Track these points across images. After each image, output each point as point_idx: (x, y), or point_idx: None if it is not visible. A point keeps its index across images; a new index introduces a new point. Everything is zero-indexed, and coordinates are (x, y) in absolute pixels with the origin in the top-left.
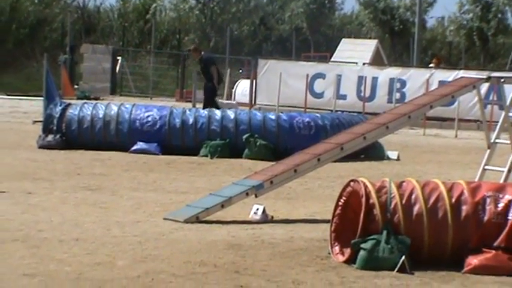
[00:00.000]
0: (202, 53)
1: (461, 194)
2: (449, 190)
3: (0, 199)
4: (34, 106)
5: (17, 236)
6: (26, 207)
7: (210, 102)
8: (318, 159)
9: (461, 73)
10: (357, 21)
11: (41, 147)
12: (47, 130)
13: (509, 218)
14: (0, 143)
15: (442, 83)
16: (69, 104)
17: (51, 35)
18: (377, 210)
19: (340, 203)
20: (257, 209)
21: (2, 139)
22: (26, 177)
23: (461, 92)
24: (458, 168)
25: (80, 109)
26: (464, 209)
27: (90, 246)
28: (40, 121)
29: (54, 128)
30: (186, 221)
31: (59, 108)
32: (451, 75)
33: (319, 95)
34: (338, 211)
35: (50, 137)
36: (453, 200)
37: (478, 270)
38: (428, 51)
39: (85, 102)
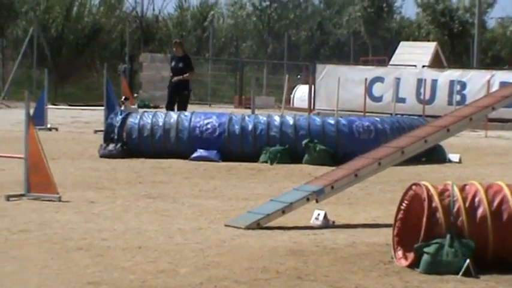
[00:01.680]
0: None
1: None
2: None
3: (64, 208)
4: (95, 116)
5: (81, 245)
6: (89, 216)
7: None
8: (379, 164)
9: None
10: (415, 23)
11: (103, 156)
12: (108, 139)
13: None
14: (62, 153)
15: (503, 84)
16: (130, 113)
17: (110, 45)
18: (440, 214)
19: (402, 207)
20: (318, 215)
21: (64, 149)
22: (89, 187)
23: None
24: None
25: (140, 118)
26: None
27: (153, 254)
28: (101, 130)
29: (115, 137)
30: (247, 228)
31: (119, 118)
32: None
33: (378, 99)
34: (400, 215)
35: (111, 146)
36: None
37: None
38: (488, 53)
39: (145, 111)
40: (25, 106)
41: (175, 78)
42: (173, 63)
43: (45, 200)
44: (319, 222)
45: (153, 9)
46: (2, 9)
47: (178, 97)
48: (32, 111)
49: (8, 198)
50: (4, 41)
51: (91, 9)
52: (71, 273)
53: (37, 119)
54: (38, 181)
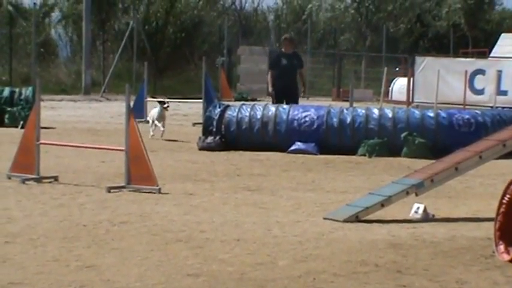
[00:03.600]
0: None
1: None
2: None
3: (163, 200)
4: (193, 109)
5: (180, 237)
6: (188, 208)
7: None
8: (480, 157)
9: None
10: None
11: (201, 148)
12: (206, 132)
13: None
14: (162, 146)
15: None
16: (228, 106)
17: (209, 39)
18: None
19: (504, 201)
20: (418, 208)
21: (164, 142)
22: (188, 179)
23: None
24: None
25: (238, 111)
26: None
27: (251, 247)
28: (200, 123)
29: (214, 129)
30: (346, 221)
31: (218, 111)
32: None
33: (480, 92)
34: (502, 209)
35: (210, 139)
36: None
37: None
38: None
39: (243, 104)
40: (125, 99)
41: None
42: (284, 61)
43: (145, 192)
44: (418, 216)
45: (252, 2)
46: (103, 3)
47: (286, 100)
48: (132, 103)
49: (109, 190)
50: (104, 34)
51: (192, 3)
52: (170, 265)
53: (137, 112)
54: (138, 173)
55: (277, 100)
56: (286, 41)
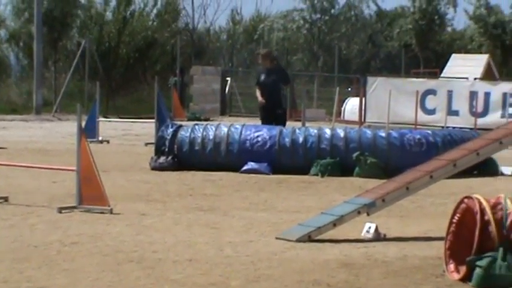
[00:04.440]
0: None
1: None
2: None
3: (115, 221)
4: (146, 128)
5: (132, 257)
6: (140, 228)
7: None
8: (431, 177)
9: None
10: (466, 36)
11: (154, 168)
12: (159, 152)
13: None
14: (114, 165)
15: None
16: (180, 126)
17: (162, 59)
18: (492, 227)
19: (454, 220)
20: (369, 227)
21: (116, 161)
22: (140, 199)
23: None
24: None
25: (191, 131)
26: None
27: (203, 267)
28: (152, 143)
29: (166, 149)
30: (298, 240)
31: (170, 130)
32: None
33: (431, 112)
34: (452, 228)
35: (162, 159)
36: None
37: None
38: None
39: (195, 124)
40: (77, 119)
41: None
42: (262, 77)
43: (97, 212)
44: (370, 235)
45: (205, 22)
46: (55, 22)
47: (274, 116)
48: (83, 123)
49: (60, 210)
50: (56, 54)
51: (145, 23)
52: (122, 286)
53: (89, 132)
54: (90, 193)
55: (262, 117)
56: (260, 56)
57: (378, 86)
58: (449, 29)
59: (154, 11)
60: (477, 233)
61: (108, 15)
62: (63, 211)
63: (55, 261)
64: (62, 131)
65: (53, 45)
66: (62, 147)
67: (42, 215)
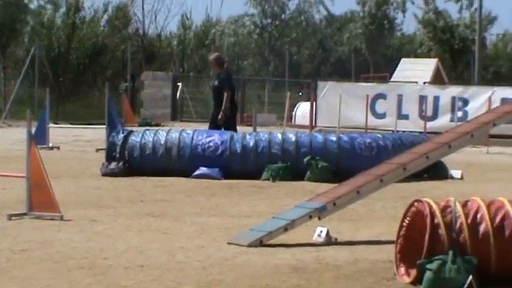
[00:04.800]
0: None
1: None
2: None
3: (65, 227)
4: (97, 134)
5: (83, 264)
6: (90, 235)
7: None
8: (381, 180)
9: None
10: (416, 40)
11: (105, 174)
12: (109, 158)
13: None
14: (64, 172)
15: (504, 101)
16: (131, 131)
17: (113, 64)
18: (442, 230)
19: (404, 224)
20: (321, 231)
21: (66, 167)
22: (90, 205)
23: None
24: None
25: (142, 136)
26: None
27: (155, 273)
28: (103, 149)
29: (117, 155)
30: (250, 245)
31: (121, 136)
32: None
33: (381, 116)
34: (403, 232)
35: (113, 165)
36: None
37: None
38: (489, 69)
39: (146, 129)
40: (27, 125)
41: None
42: (212, 82)
43: (47, 219)
44: (321, 239)
45: (156, 28)
46: (4, 29)
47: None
48: (33, 130)
49: (10, 217)
50: (5, 60)
51: (95, 29)
52: None
53: (39, 138)
54: (40, 200)
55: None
56: (210, 62)
57: (329, 90)
58: (398, 33)
59: (105, 16)
60: (427, 236)
61: (58, 21)
62: (13, 218)
63: (5, 269)
64: (12, 137)
65: (1, 51)
66: (12, 153)
67: None
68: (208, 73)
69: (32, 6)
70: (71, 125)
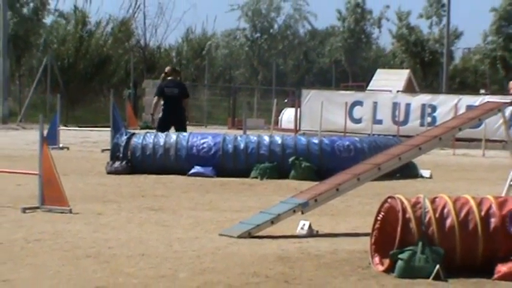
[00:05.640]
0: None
1: (490, 207)
2: (479, 204)
3: (74, 220)
4: (102, 136)
5: (89, 253)
6: (96, 226)
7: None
8: (358, 179)
9: (487, 98)
10: (390, 53)
11: (109, 172)
12: (114, 157)
13: None
14: (73, 169)
15: (469, 107)
16: (134, 134)
17: (118, 73)
18: (413, 224)
19: (378, 218)
20: (303, 225)
21: (75, 166)
22: (97, 200)
23: (488, 115)
24: (486, 185)
25: (143, 138)
26: (493, 221)
27: (154, 261)
28: (108, 149)
29: (121, 155)
30: (240, 237)
31: (124, 138)
32: (477, 99)
33: (358, 121)
34: (377, 225)
35: (117, 164)
36: (482, 213)
37: (507, 277)
38: (456, 79)
39: (147, 132)
40: (39, 127)
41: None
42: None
43: (58, 212)
44: (304, 232)
45: (157, 41)
46: (19, 41)
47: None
48: (45, 132)
49: (24, 210)
50: (20, 69)
51: (100, 41)
52: (80, 278)
53: (50, 139)
54: (51, 195)
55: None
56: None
57: (312, 97)
58: (374, 47)
59: (109, 29)
60: (399, 229)
61: (67, 34)
62: (26, 211)
63: (19, 257)
64: (26, 138)
65: (17, 61)
66: (26, 153)
67: (7, 215)
68: (202, 81)
69: (45, 20)
70: (79, 128)
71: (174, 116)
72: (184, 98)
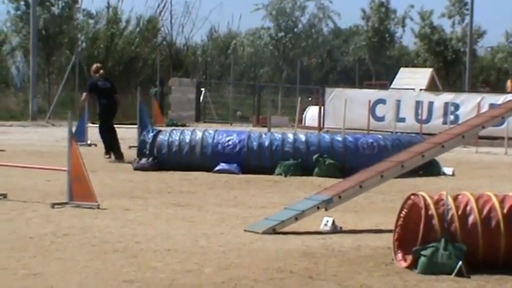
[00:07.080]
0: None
1: None
2: (501, 202)
3: (102, 215)
4: (129, 133)
5: (117, 248)
6: (124, 222)
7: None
8: (381, 176)
9: (510, 96)
10: (413, 52)
11: (136, 169)
12: (141, 154)
13: None
14: (101, 166)
15: (492, 106)
16: (160, 131)
17: (144, 71)
18: (435, 221)
19: (402, 215)
20: (327, 221)
21: (103, 162)
22: (124, 196)
23: (511, 113)
24: (508, 182)
25: (169, 135)
26: None
27: (180, 256)
28: (135, 146)
29: (147, 152)
30: (264, 233)
31: (151, 135)
32: (500, 98)
33: (381, 119)
34: (400, 222)
35: (144, 160)
36: (505, 210)
37: None
38: (479, 78)
39: (173, 129)
40: (68, 124)
41: None
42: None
43: (86, 208)
44: (328, 228)
45: (184, 38)
46: (49, 39)
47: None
48: (74, 129)
49: (53, 205)
50: (49, 67)
51: (129, 41)
52: (108, 273)
53: (78, 136)
54: (79, 191)
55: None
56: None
57: (335, 96)
58: (397, 45)
59: (137, 28)
60: (422, 225)
61: (99, 32)
62: (55, 206)
63: (49, 251)
64: (55, 135)
65: (46, 59)
66: (55, 149)
67: (37, 210)
68: (227, 79)
69: (76, 17)
70: None
71: (114, 107)
72: (115, 93)
